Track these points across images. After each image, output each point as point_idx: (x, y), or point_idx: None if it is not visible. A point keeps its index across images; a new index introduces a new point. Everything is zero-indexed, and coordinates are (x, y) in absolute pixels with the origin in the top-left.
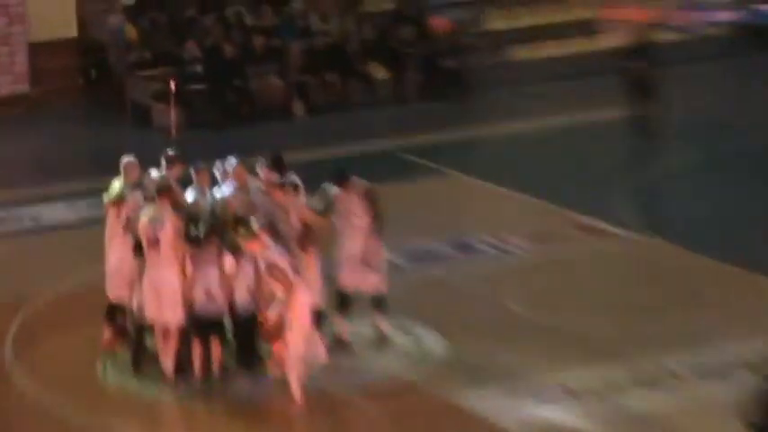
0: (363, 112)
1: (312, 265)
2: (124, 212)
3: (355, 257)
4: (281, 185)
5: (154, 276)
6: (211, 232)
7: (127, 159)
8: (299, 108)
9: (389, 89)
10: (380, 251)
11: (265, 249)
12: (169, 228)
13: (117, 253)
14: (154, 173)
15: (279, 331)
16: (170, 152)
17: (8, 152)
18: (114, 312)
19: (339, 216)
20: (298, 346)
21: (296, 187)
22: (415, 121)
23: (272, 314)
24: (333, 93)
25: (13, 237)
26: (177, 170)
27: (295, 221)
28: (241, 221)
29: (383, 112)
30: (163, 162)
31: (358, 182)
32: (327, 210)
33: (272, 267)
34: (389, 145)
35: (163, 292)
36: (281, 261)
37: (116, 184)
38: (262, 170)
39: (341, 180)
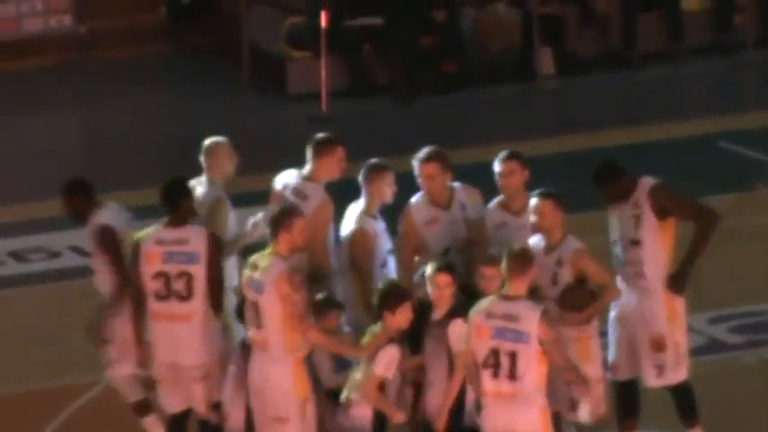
0: (660, 69)
1: (589, 345)
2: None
3: (636, 322)
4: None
5: (257, 374)
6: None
7: (215, 141)
8: (545, 61)
9: (707, 28)
10: (680, 312)
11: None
12: (273, 293)
13: (193, 324)
14: (287, 178)
15: None
16: (321, 137)
17: (36, 134)
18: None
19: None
20: None
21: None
22: (754, 84)
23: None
24: (606, 35)
25: (47, 280)
26: (329, 168)
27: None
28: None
29: (695, 68)
30: (309, 154)
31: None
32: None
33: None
34: (707, 127)
35: (271, 403)
36: None
37: (199, 190)
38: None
39: (613, 181)
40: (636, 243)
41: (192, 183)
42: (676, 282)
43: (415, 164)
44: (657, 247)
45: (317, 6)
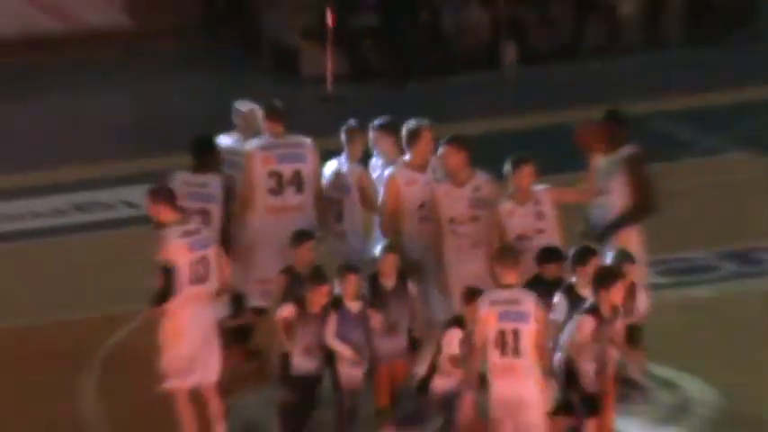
0: (601, 61)
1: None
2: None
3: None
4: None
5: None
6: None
7: (244, 106)
8: (509, 53)
9: (640, 29)
10: (633, 252)
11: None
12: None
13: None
14: (254, 143)
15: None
16: (276, 103)
17: (97, 109)
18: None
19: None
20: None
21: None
22: (678, 75)
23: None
24: (558, 33)
25: (103, 228)
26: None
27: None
28: None
29: (630, 61)
30: (265, 117)
31: (629, 149)
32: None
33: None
34: (640, 109)
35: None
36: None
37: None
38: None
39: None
40: (608, 191)
41: (223, 138)
42: (598, 239)
43: (418, 131)
44: (620, 199)
45: (324, 7)
